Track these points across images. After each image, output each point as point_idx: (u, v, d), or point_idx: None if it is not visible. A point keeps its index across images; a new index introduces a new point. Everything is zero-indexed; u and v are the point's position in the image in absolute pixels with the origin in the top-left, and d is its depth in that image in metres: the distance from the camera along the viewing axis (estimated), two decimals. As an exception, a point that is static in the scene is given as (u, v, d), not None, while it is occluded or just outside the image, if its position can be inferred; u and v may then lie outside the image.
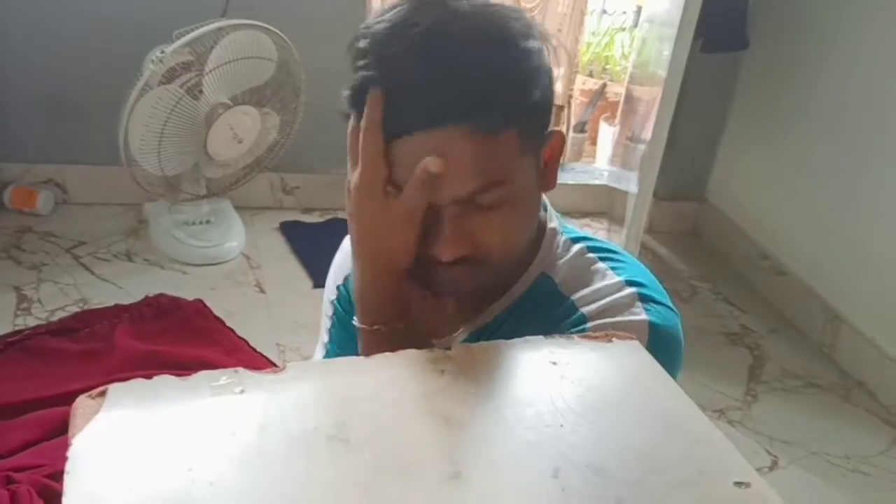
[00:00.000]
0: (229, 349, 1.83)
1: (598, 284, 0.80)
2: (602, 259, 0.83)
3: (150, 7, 2.21)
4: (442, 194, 0.71)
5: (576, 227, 0.90)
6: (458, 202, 0.72)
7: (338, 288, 0.96)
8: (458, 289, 0.79)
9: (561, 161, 0.81)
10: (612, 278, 0.80)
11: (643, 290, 0.79)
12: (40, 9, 2.19)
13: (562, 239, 0.85)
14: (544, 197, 0.85)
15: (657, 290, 0.81)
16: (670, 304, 0.81)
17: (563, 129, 2.94)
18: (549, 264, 0.84)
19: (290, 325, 2.00)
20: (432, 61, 0.68)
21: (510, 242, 0.76)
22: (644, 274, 0.83)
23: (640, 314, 0.77)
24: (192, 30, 1.93)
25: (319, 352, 1.03)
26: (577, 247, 0.84)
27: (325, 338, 1.00)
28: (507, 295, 0.83)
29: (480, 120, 0.69)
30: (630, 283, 0.79)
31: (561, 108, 2.89)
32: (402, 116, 0.69)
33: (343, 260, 0.96)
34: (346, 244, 0.97)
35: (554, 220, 0.86)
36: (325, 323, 1.00)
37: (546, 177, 0.78)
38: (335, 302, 0.97)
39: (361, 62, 0.73)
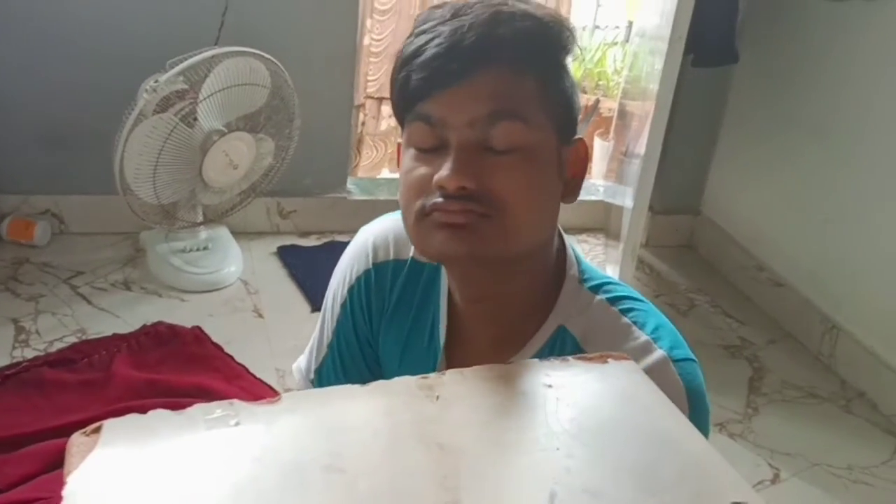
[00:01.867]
0: (229, 376, 1.83)
1: (624, 345, 0.80)
2: (623, 312, 0.83)
3: (143, 37, 2.22)
4: (456, 116, 0.74)
5: (595, 266, 0.90)
6: (473, 128, 0.74)
7: (350, 291, 0.94)
8: (460, 246, 0.74)
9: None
10: (639, 337, 0.80)
11: (673, 352, 0.79)
12: (34, 41, 2.20)
13: (582, 289, 0.85)
14: (568, 240, 0.87)
15: (679, 342, 0.81)
16: (692, 356, 0.82)
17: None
18: (567, 316, 0.83)
19: (289, 349, 1.99)
20: (471, 17, 0.74)
21: (521, 195, 0.75)
22: (665, 325, 0.83)
23: (674, 379, 0.78)
24: (186, 58, 1.94)
25: (305, 360, 1.02)
26: (597, 299, 0.84)
27: (321, 344, 0.99)
28: (527, 347, 0.83)
29: (508, 57, 0.74)
30: (656, 341, 0.79)
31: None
32: (442, 69, 0.74)
33: (357, 256, 0.94)
34: (363, 239, 0.95)
35: (574, 267, 0.86)
36: (327, 327, 0.98)
37: (570, 188, 0.82)
38: (344, 308, 0.95)
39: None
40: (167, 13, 2.24)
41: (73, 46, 2.23)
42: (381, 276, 0.92)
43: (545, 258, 0.84)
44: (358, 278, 0.93)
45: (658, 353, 0.79)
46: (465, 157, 0.74)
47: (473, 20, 0.74)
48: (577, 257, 0.87)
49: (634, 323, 0.81)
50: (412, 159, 0.78)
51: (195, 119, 1.99)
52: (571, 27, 0.79)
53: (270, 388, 1.82)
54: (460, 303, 0.87)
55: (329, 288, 0.99)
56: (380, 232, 0.94)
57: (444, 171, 0.73)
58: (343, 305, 0.95)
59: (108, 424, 0.55)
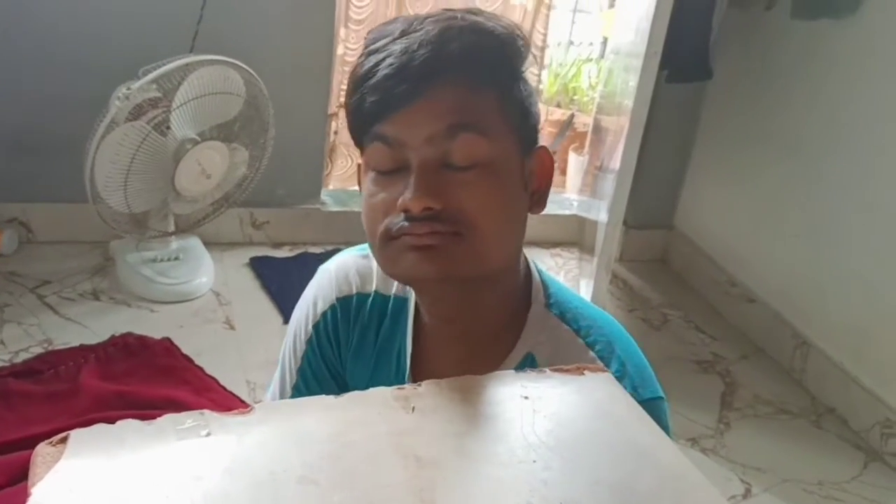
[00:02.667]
0: (198, 388, 1.81)
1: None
2: (590, 345, 0.82)
3: (116, 44, 2.20)
4: (414, 134, 0.73)
5: (563, 286, 0.89)
6: (432, 145, 0.72)
7: (315, 326, 0.92)
8: (431, 268, 0.73)
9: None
10: (595, 361, 0.80)
11: (637, 391, 0.79)
12: (3, 47, 2.17)
13: (549, 315, 0.84)
14: (533, 262, 0.86)
15: (645, 379, 0.82)
16: (660, 392, 0.82)
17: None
18: (535, 343, 0.83)
19: (260, 361, 1.98)
20: (421, 34, 0.74)
21: (487, 211, 0.73)
22: (631, 359, 0.82)
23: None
24: (159, 66, 1.92)
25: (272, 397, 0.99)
26: (564, 328, 0.84)
27: (285, 389, 0.96)
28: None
29: (461, 73, 0.73)
30: (620, 379, 0.78)
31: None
32: (394, 90, 0.73)
33: (321, 291, 0.92)
34: (324, 275, 0.93)
35: (541, 292, 0.85)
36: (289, 367, 0.96)
37: (536, 198, 0.81)
38: (311, 344, 0.93)
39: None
40: (140, 20, 2.22)
41: (43, 52, 2.20)
42: (346, 310, 0.91)
43: (513, 274, 0.84)
44: (323, 313, 0.92)
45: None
46: (427, 176, 0.72)
47: (423, 37, 0.73)
48: (543, 280, 0.86)
49: (601, 358, 0.81)
50: (373, 182, 0.76)
51: (168, 127, 1.97)
52: (524, 35, 0.79)
53: (241, 400, 1.80)
54: (430, 323, 0.86)
55: (288, 333, 0.96)
56: (341, 267, 0.92)
57: (408, 193, 0.72)
58: (309, 341, 0.93)
59: (75, 434, 0.54)
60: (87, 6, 2.19)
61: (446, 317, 0.83)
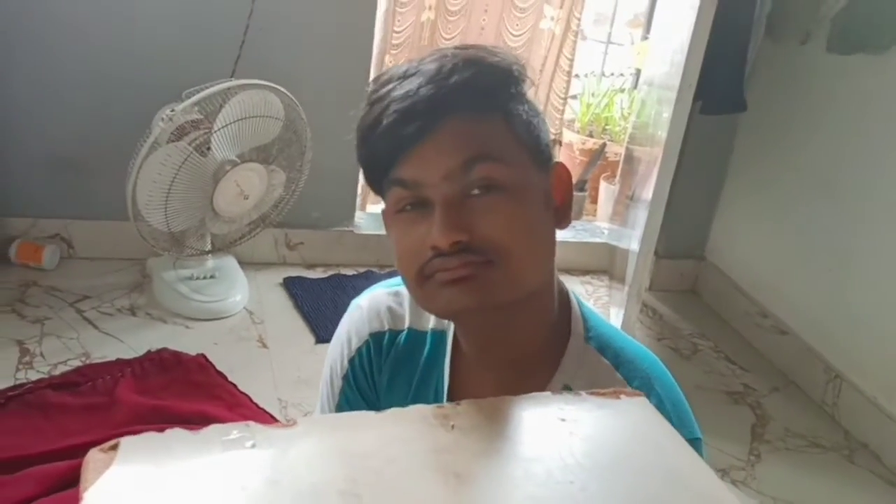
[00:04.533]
0: (231, 404, 1.83)
1: None
2: (628, 380, 0.82)
3: (159, 66, 2.25)
4: (430, 173, 0.74)
5: (601, 317, 0.89)
6: (450, 181, 0.74)
7: (351, 362, 0.94)
8: (470, 299, 0.74)
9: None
10: None
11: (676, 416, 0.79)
12: (49, 64, 2.24)
13: (589, 348, 0.84)
14: (576, 298, 0.86)
15: (684, 419, 0.81)
16: (697, 433, 0.82)
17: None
18: (573, 376, 0.83)
19: (292, 380, 2.00)
20: (420, 76, 0.75)
21: (516, 234, 0.74)
22: (670, 397, 0.82)
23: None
24: (202, 89, 1.97)
25: None
26: (604, 362, 0.83)
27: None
28: None
29: (465, 104, 0.74)
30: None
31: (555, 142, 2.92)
32: (403, 133, 0.75)
33: (354, 327, 0.94)
34: (357, 311, 0.95)
35: (580, 324, 0.85)
36: (327, 400, 0.97)
37: (561, 214, 0.81)
38: (347, 380, 0.94)
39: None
40: (185, 43, 2.28)
41: (88, 71, 2.26)
42: (378, 345, 0.92)
43: (547, 296, 0.84)
44: (358, 349, 0.93)
45: None
46: (451, 211, 0.73)
47: (422, 79, 0.74)
48: (583, 313, 0.86)
49: (636, 386, 0.81)
50: (399, 226, 0.78)
51: (209, 149, 2.01)
52: (519, 59, 0.80)
53: (273, 417, 1.82)
54: (468, 355, 0.86)
55: (324, 370, 0.98)
56: (372, 304, 0.94)
57: (435, 230, 0.73)
58: (345, 377, 0.95)
59: (126, 442, 0.56)
60: (133, 29, 2.25)
61: (484, 345, 0.84)
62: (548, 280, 0.83)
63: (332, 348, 0.97)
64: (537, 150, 0.79)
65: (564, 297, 0.87)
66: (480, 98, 0.75)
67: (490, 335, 0.83)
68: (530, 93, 0.81)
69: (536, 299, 0.81)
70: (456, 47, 0.79)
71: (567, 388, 0.83)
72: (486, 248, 0.73)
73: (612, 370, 0.83)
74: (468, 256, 0.73)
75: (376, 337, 0.92)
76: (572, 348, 0.84)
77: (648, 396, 0.82)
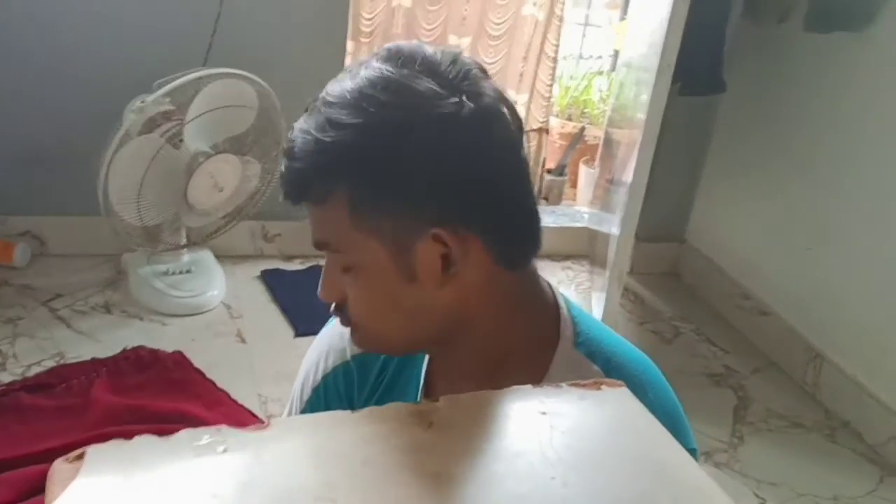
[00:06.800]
0: (210, 402, 1.80)
1: None
2: (612, 376, 0.78)
3: (130, 57, 2.21)
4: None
5: (592, 319, 0.86)
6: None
7: (325, 378, 0.91)
8: (359, 346, 0.83)
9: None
10: None
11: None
12: (14, 59, 2.19)
13: (578, 354, 0.81)
14: (566, 300, 0.83)
15: (679, 429, 0.79)
16: (692, 444, 0.81)
17: (543, 157, 2.95)
18: (559, 382, 0.81)
19: (271, 375, 1.97)
20: (293, 136, 0.75)
21: (364, 310, 0.77)
22: (664, 406, 0.79)
23: None
24: (173, 79, 1.93)
25: None
26: (594, 368, 0.81)
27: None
28: None
29: (306, 194, 0.75)
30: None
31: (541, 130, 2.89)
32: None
33: (332, 344, 0.92)
34: (334, 329, 0.91)
35: (569, 329, 0.82)
36: (297, 401, 0.95)
37: (444, 279, 0.74)
38: (317, 391, 0.92)
39: None
40: (155, 34, 2.24)
41: (57, 65, 2.21)
42: (363, 367, 0.90)
43: (482, 323, 0.78)
44: (335, 368, 0.91)
45: None
46: (326, 274, 0.79)
47: (291, 145, 0.74)
48: (573, 316, 0.83)
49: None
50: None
51: (181, 140, 1.97)
52: (386, 122, 0.70)
53: (252, 414, 1.80)
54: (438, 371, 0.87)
55: (299, 374, 0.95)
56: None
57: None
58: (315, 389, 0.92)
59: (92, 451, 0.54)
60: (101, 20, 2.21)
61: (440, 368, 0.86)
62: (455, 319, 0.77)
63: (310, 355, 0.94)
64: (398, 225, 0.72)
65: (551, 301, 0.83)
66: (319, 186, 0.73)
67: (437, 360, 0.85)
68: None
69: (463, 331, 0.78)
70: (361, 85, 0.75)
71: None
72: (350, 313, 0.78)
73: (602, 377, 0.80)
74: (339, 314, 0.79)
75: (359, 358, 0.90)
76: (560, 356, 0.81)
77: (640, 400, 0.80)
